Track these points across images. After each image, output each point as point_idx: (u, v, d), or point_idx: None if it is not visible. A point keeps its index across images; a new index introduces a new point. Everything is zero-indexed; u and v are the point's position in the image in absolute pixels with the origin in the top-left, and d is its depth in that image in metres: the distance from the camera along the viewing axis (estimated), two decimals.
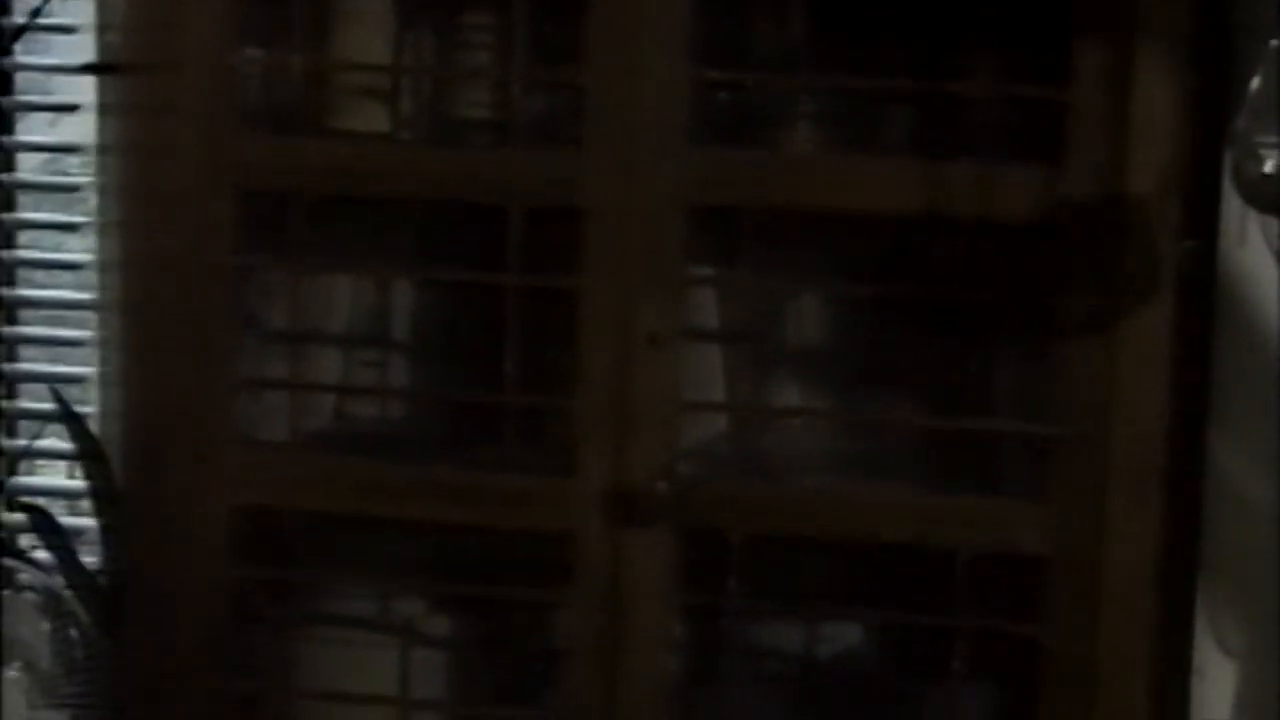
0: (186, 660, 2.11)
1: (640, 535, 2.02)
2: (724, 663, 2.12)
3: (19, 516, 2.45)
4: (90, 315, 2.57)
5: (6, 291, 2.60)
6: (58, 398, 2.44)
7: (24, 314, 2.64)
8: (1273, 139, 1.82)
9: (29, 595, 2.19)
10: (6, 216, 2.59)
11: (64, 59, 2.53)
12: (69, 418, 2.43)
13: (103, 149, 2.40)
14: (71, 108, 2.49)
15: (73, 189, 2.56)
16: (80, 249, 2.59)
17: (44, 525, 2.40)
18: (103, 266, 2.46)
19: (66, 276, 2.63)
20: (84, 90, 2.45)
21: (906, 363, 2.06)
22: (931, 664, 2.04)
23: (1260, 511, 2.15)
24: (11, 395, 2.61)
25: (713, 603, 2.08)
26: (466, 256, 2.07)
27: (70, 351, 2.63)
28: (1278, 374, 2.10)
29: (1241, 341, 2.12)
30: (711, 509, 2.04)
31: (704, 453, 2.07)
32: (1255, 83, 1.81)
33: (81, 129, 2.54)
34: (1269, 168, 1.83)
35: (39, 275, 2.63)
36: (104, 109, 2.36)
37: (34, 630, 2.12)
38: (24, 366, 2.63)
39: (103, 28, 2.32)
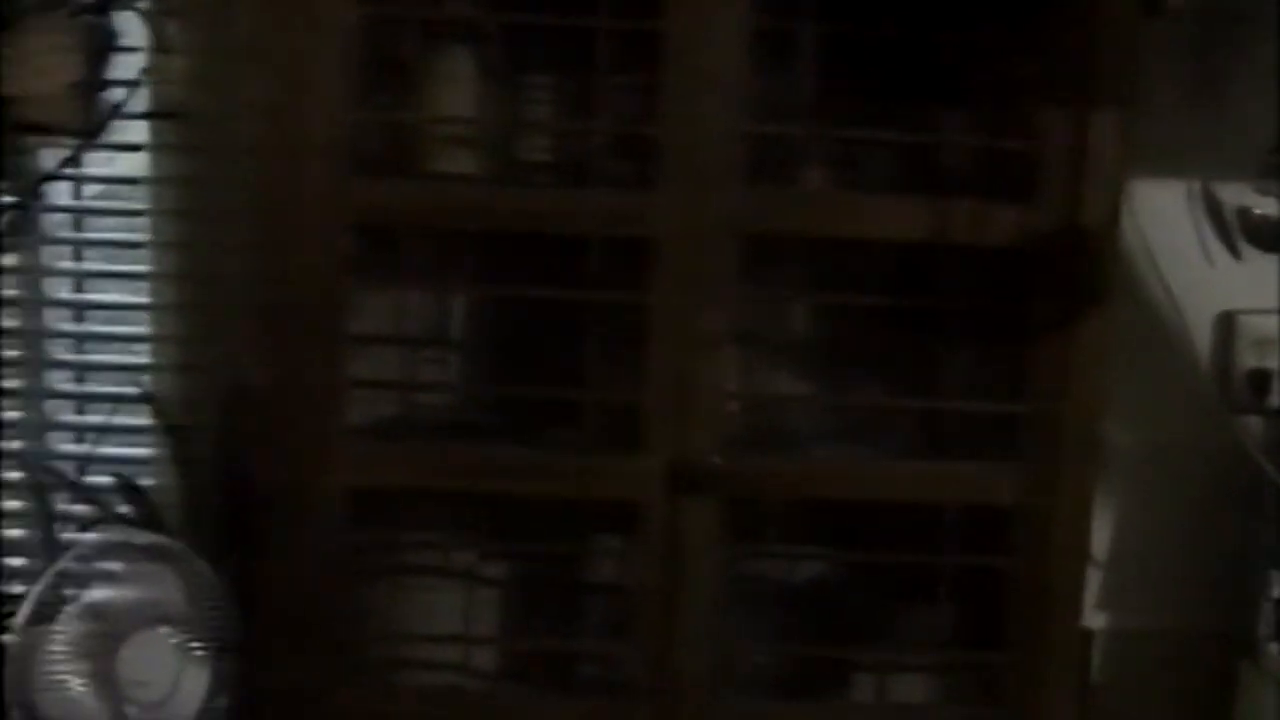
0: (307, 610, 1.88)
1: (696, 501, 1.87)
2: (760, 599, 1.99)
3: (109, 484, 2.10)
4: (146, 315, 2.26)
5: (76, 296, 2.25)
6: (139, 385, 2.14)
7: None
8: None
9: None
10: (76, 234, 2.22)
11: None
12: (148, 399, 2.15)
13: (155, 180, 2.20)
14: (135, 148, 2.13)
15: (132, 213, 2.21)
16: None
17: (133, 493, 2.08)
18: (158, 276, 2.23)
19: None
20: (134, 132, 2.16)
21: (911, 360, 1.94)
22: (920, 593, 1.93)
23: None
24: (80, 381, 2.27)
25: (752, 551, 1.96)
26: (550, 278, 1.87)
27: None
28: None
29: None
30: (751, 479, 1.90)
31: (743, 433, 1.91)
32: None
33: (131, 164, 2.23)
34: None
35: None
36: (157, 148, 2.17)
37: (167, 589, 1.82)
38: (92, 358, 2.28)
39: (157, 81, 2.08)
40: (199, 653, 1.88)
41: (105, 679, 1.83)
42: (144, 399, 2.20)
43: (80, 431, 2.31)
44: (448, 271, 1.95)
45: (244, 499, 2.05)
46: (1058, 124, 1.86)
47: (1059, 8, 1.84)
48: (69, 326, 2.31)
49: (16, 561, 2.22)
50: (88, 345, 2.33)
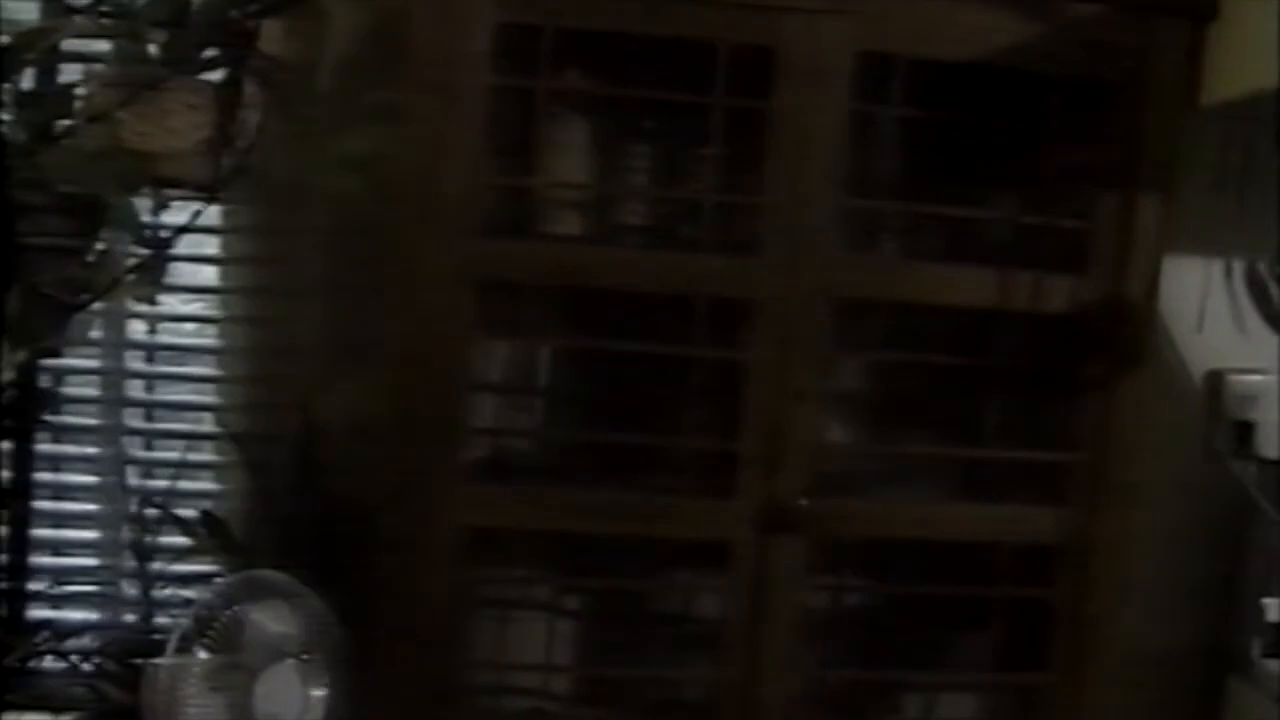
0: (420, 643, 1.88)
1: (784, 539, 1.92)
2: (826, 627, 2.05)
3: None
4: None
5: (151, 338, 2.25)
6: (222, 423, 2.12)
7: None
8: None
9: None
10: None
11: None
12: (235, 438, 2.12)
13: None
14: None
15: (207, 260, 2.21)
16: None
17: (216, 526, 2.05)
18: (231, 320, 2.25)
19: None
20: None
21: (971, 413, 2.02)
22: (974, 620, 2.01)
23: None
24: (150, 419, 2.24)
25: (823, 584, 2.04)
26: (651, 335, 1.93)
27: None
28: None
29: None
30: (833, 519, 1.95)
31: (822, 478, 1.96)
32: None
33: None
34: None
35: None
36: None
37: (289, 622, 1.81)
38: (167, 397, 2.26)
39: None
40: (316, 683, 1.87)
41: (242, 712, 1.80)
42: (223, 435, 2.17)
43: (156, 467, 2.26)
44: (554, 325, 1.96)
45: (329, 530, 2.05)
46: (1107, 205, 1.96)
47: (1110, 102, 1.95)
48: (143, 367, 2.27)
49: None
50: (161, 385, 2.29)
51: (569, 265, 1.91)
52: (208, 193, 1.93)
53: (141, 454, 2.27)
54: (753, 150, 1.88)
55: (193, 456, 2.24)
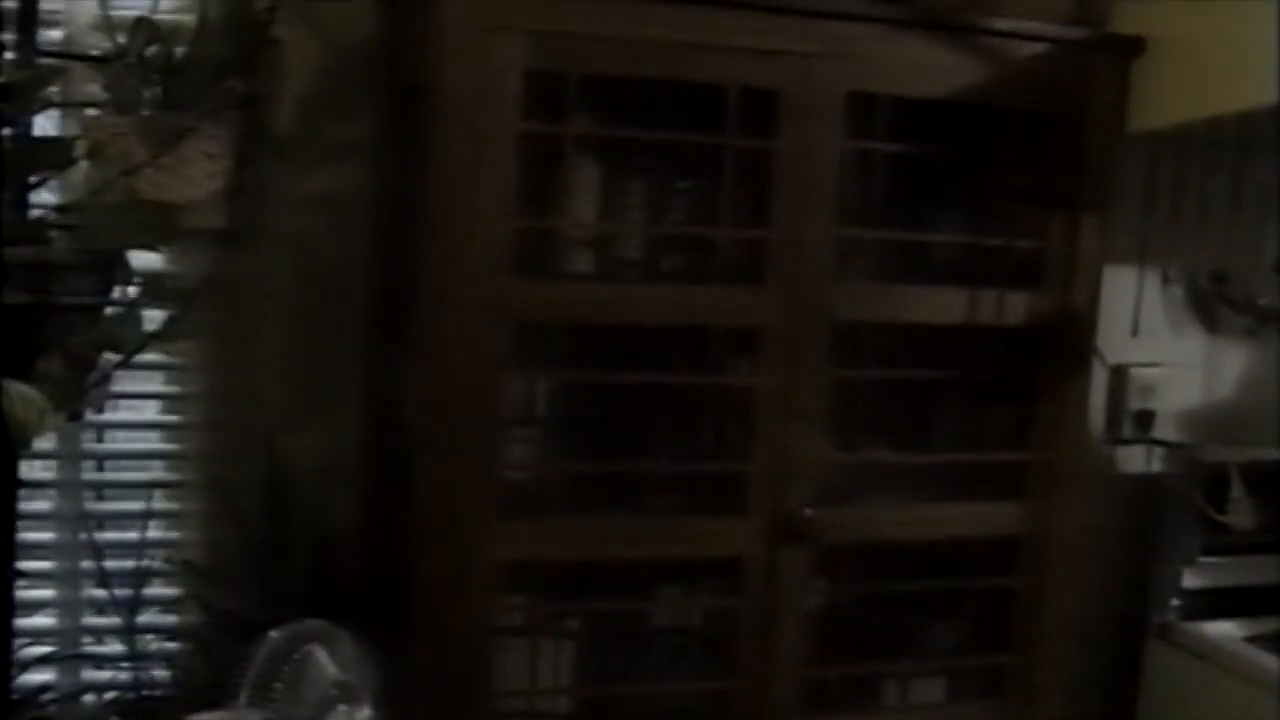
0: (452, 676, 1.94)
1: (790, 550, 2.05)
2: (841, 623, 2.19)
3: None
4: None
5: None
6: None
7: None
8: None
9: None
10: None
11: None
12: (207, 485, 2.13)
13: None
14: None
15: None
16: None
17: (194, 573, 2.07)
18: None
19: None
20: None
21: (943, 420, 2.18)
22: (948, 609, 2.19)
23: None
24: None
25: (833, 586, 2.18)
26: (658, 364, 2.04)
27: None
28: None
29: None
30: (831, 526, 2.08)
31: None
32: None
33: None
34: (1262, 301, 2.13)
35: None
36: None
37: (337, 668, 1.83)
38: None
39: None
40: None
41: None
42: (191, 483, 2.15)
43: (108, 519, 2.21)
44: (571, 358, 2.02)
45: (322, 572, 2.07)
46: (1055, 224, 2.16)
47: (1054, 132, 2.14)
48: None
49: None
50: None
51: (591, 302, 1.98)
52: (227, 241, 1.92)
53: (97, 507, 2.21)
54: (753, 186, 2.01)
55: (155, 506, 2.20)
